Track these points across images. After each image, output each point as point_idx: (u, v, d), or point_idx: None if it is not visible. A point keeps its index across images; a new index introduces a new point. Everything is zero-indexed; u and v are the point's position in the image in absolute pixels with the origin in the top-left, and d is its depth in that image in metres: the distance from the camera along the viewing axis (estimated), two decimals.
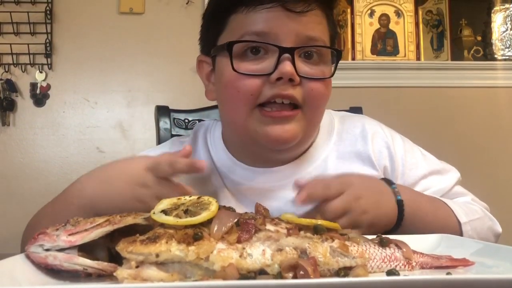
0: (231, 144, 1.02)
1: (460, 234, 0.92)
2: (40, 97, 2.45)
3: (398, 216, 0.87)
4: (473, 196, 1.06)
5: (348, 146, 1.03)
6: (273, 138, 0.91)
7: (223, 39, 0.93)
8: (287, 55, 0.86)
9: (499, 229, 1.01)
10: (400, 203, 0.87)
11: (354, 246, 0.60)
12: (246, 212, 0.64)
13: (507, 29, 2.61)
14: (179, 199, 0.62)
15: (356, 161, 1.02)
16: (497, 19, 2.60)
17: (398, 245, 0.64)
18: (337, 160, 1.02)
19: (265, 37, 0.88)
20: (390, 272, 0.59)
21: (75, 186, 0.86)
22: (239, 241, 0.56)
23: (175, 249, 0.53)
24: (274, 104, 0.89)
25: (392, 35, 2.61)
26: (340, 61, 0.96)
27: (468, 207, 0.99)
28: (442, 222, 0.91)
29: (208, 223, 0.57)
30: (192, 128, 1.41)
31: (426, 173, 1.04)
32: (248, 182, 0.99)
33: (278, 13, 0.88)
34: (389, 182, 0.91)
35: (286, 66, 0.86)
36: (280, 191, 0.97)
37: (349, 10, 2.58)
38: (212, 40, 0.97)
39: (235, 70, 0.88)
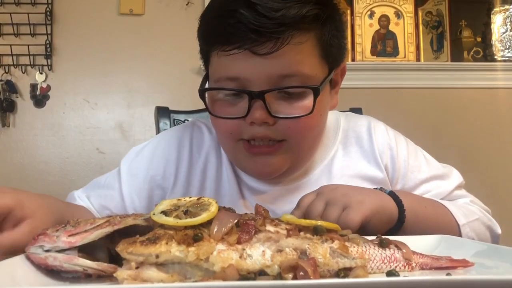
0: None
1: (460, 236, 0.92)
2: (40, 98, 2.45)
3: (400, 210, 0.86)
4: (473, 198, 1.06)
5: (355, 145, 1.04)
6: (256, 171, 0.95)
7: (210, 71, 0.93)
8: (258, 100, 0.85)
9: (498, 230, 1.01)
10: (396, 199, 0.87)
11: (354, 247, 0.60)
12: (246, 213, 0.64)
13: (506, 30, 2.61)
14: (179, 200, 0.62)
15: (362, 160, 1.02)
16: (497, 20, 2.61)
17: (398, 246, 0.64)
18: (343, 158, 1.02)
19: (238, 81, 0.86)
20: (390, 273, 0.59)
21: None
22: (239, 242, 0.56)
23: (175, 250, 0.53)
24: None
25: (392, 36, 2.61)
26: None
27: (466, 208, 0.98)
28: (441, 225, 0.91)
29: (208, 224, 0.57)
30: None
31: (428, 178, 1.03)
32: (261, 188, 1.00)
33: (246, 56, 0.84)
34: (381, 189, 0.91)
35: (256, 113, 0.85)
36: (289, 195, 0.98)
37: (349, 11, 2.59)
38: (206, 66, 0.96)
39: (211, 114, 0.91)
